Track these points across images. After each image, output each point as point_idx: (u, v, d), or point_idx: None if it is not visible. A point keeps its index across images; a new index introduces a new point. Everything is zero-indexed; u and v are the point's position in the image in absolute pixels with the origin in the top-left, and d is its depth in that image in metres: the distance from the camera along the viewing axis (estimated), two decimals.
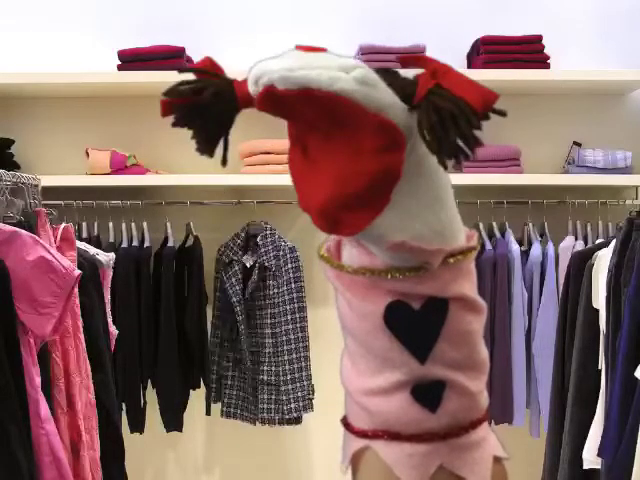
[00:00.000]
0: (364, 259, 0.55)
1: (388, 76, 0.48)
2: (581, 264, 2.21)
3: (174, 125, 0.51)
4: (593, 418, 2.09)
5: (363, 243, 0.54)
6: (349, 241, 0.56)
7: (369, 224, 0.50)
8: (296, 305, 2.59)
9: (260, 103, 0.48)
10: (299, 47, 0.48)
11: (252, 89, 0.48)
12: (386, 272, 0.54)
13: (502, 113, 0.48)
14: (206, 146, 0.51)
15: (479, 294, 0.57)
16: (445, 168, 0.48)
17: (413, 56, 0.51)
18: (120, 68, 2.65)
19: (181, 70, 0.53)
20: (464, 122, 0.45)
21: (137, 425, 2.61)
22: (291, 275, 2.59)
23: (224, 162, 0.52)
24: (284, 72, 0.45)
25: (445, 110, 0.45)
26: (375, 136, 0.47)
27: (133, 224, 2.72)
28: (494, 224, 2.71)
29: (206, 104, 0.50)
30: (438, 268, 0.53)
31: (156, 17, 2.82)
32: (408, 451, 0.56)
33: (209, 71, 0.52)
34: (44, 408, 1.56)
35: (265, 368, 2.61)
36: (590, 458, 2.06)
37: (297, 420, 2.61)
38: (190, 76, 0.53)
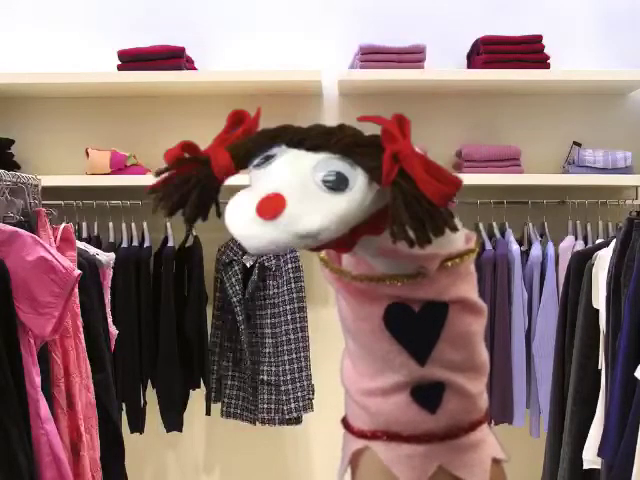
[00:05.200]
0: (362, 266, 0.55)
1: (355, 154, 0.50)
2: (581, 264, 2.21)
3: (165, 216, 0.53)
4: (593, 418, 2.09)
5: (357, 254, 0.55)
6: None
7: (359, 239, 0.52)
8: (296, 305, 2.59)
9: None
10: (259, 210, 0.48)
11: None
12: (384, 279, 0.54)
13: (452, 203, 0.49)
14: (196, 219, 0.53)
15: (479, 294, 0.57)
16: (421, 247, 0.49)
17: (374, 118, 0.51)
18: (120, 68, 2.65)
19: (159, 173, 0.53)
20: (430, 223, 0.47)
21: (137, 425, 2.61)
22: (291, 275, 2.59)
23: (219, 215, 0.54)
24: (251, 251, 0.49)
25: (409, 223, 0.47)
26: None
27: (133, 224, 2.72)
28: (494, 224, 2.71)
29: (191, 204, 0.52)
30: (436, 272, 0.53)
31: (156, 17, 2.82)
32: (407, 452, 0.56)
33: (184, 160, 0.53)
34: (44, 408, 1.56)
35: (265, 368, 2.60)
36: (590, 458, 2.06)
37: (297, 420, 2.61)
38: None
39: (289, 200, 0.48)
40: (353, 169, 0.49)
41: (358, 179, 0.49)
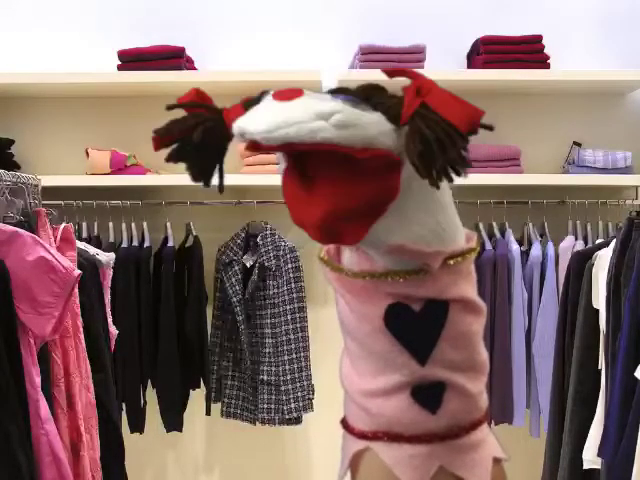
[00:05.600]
0: (364, 263, 0.55)
1: (373, 96, 0.49)
2: (581, 264, 2.21)
3: (167, 160, 0.52)
4: (593, 418, 2.09)
5: (362, 248, 0.54)
6: (349, 246, 0.56)
7: (368, 232, 0.50)
8: (296, 305, 2.59)
9: (249, 149, 0.49)
10: (276, 95, 0.48)
11: (239, 139, 0.49)
12: (386, 275, 0.54)
13: (489, 127, 0.48)
14: (201, 178, 0.51)
15: (479, 294, 0.57)
16: (437, 188, 0.48)
17: (398, 69, 0.51)
18: (120, 68, 2.65)
19: (170, 108, 0.53)
20: (451, 147, 0.45)
21: (137, 425, 2.61)
22: (291, 275, 2.59)
23: (221, 190, 0.52)
24: (263, 134, 0.46)
25: (431, 137, 0.45)
26: (368, 165, 0.48)
27: (133, 224, 2.72)
28: (494, 224, 2.71)
29: (197, 144, 0.50)
30: (438, 270, 0.53)
31: (156, 17, 2.82)
32: (408, 452, 0.56)
33: (197, 104, 0.52)
34: (44, 408, 1.56)
35: (265, 368, 2.60)
36: (590, 458, 2.06)
37: (297, 420, 2.61)
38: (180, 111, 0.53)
39: (307, 92, 0.48)
40: (372, 109, 0.48)
41: (376, 114, 0.48)
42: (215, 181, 0.53)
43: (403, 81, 0.51)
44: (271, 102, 0.48)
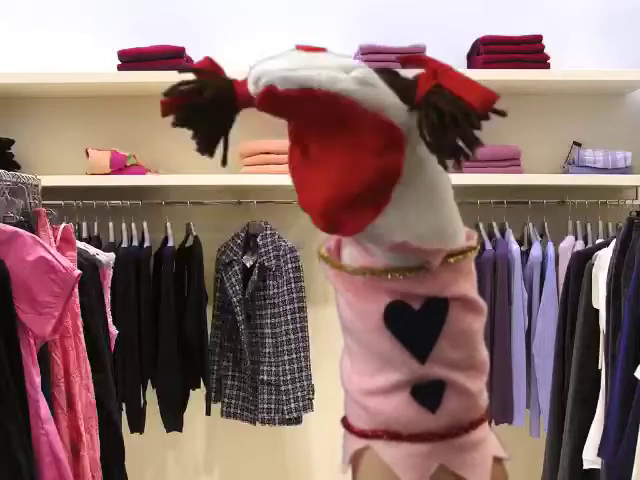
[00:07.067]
0: (364, 259, 0.55)
1: (389, 77, 0.48)
2: (581, 264, 2.21)
3: (174, 125, 0.51)
4: (593, 418, 2.09)
5: (363, 243, 0.54)
6: (349, 241, 0.56)
7: (369, 224, 0.50)
8: (296, 305, 2.59)
9: (260, 103, 0.48)
10: (299, 47, 0.48)
11: (252, 89, 0.49)
12: (386, 272, 0.54)
13: (502, 113, 0.48)
14: (206, 146, 0.51)
15: (479, 294, 0.57)
16: (445, 168, 0.48)
17: (413, 56, 0.51)
18: (120, 68, 2.65)
19: (181, 70, 0.52)
20: (464, 123, 0.45)
21: (137, 425, 2.61)
22: (291, 275, 2.59)
23: (224, 162, 0.52)
24: (284, 72, 0.46)
25: (445, 111, 0.45)
26: (374, 135, 0.48)
27: (133, 224, 2.72)
28: (494, 224, 2.71)
29: (206, 105, 0.50)
30: (438, 268, 0.53)
31: (156, 17, 2.82)
32: (408, 451, 0.56)
33: (209, 71, 0.52)
34: (44, 408, 1.56)
35: (265, 368, 2.60)
36: (590, 458, 2.06)
37: (297, 420, 2.61)
38: (190, 76, 0.52)
39: (329, 51, 0.48)
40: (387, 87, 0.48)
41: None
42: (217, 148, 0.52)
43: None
44: (294, 52, 0.48)
